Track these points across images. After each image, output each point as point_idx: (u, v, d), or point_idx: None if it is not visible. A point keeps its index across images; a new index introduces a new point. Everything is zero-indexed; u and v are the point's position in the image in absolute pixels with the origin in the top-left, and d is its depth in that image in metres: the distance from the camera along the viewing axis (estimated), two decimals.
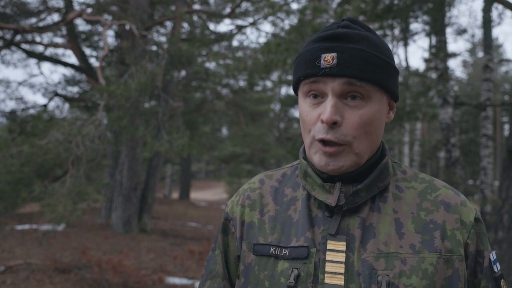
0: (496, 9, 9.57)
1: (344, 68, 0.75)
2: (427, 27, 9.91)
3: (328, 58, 0.76)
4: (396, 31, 9.59)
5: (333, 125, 0.76)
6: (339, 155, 0.78)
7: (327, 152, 0.77)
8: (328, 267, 0.77)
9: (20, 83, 11.45)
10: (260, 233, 0.86)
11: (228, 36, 10.81)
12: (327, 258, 0.77)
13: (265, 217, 0.88)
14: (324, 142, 0.78)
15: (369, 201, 0.81)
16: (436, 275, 0.74)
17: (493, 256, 0.81)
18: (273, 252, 0.82)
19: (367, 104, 0.78)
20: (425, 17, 8.36)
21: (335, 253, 0.78)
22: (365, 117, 0.77)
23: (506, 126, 27.13)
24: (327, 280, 0.76)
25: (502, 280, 0.81)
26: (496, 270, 0.80)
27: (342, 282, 0.75)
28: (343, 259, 0.77)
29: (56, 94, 10.89)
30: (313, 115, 0.79)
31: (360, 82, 0.76)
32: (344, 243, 0.78)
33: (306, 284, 0.77)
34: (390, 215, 0.80)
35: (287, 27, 9.97)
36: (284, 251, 0.81)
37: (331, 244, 0.78)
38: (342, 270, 0.76)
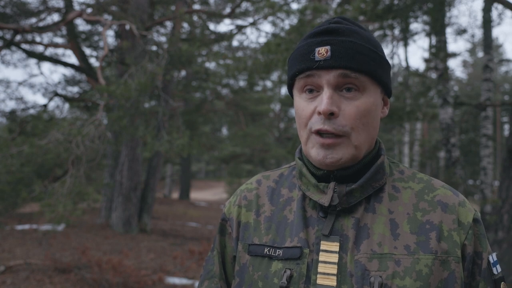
0: (496, 9, 9.57)
1: (339, 59, 0.76)
2: (427, 27, 9.91)
3: (322, 51, 0.77)
4: (396, 31, 9.59)
5: (330, 116, 0.76)
6: (337, 147, 0.77)
7: (324, 144, 0.77)
8: (321, 268, 0.76)
9: (20, 83, 11.45)
10: (256, 233, 0.86)
11: (228, 36, 10.81)
12: (320, 258, 0.77)
13: (261, 217, 0.87)
14: (321, 134, 0.77)
15: (364, 201, 0.80)
16: (431, 276, 0.73)
17: (492, 258, 0.79)
18: (267, 253, 0.82)
19: (362, 96, 0.78)
20: (425, 17, 8.36)
21: (328, 254, 0.77)
22: (362, 108, 0.77)
23: (506, 126, 27.13)
24: (319, 281, 0.75)
25: (502, 283, 0.79)
26: (495, 272, 0.79)
27: (334, 283, 0.74)
28: (336, 260, 0.76)
29: (56, 94, 10.89)
30: (309, 109, 0.79)
31: (355, 73, 0.76)
32: (338, 244, 0.77)
33: (298, 285, 0.76)
34: (385, 216, 0.79)
35: (287, 27, 9.98)
36: (278, 251, 0.81)
37: (324, 245, 0.78)
38: (335, 271, 0.75)
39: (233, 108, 17.04)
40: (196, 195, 26.88)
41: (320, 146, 0.77)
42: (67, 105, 12.93)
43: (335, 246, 0.77)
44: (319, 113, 0.76)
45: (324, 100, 0.75)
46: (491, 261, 0.79)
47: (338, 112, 0.76)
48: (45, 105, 10.45)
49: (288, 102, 21.95)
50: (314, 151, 0.79)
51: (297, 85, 0.82)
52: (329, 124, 0.76)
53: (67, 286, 4.91)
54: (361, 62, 0.76)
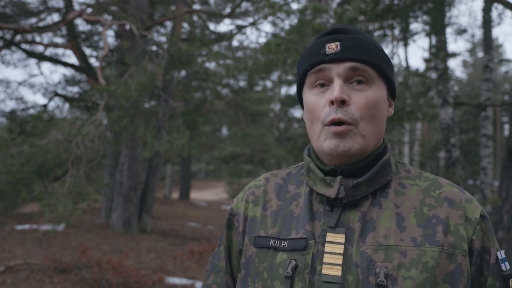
0: (496, 9, 9.58)
1: (348, 52, 0.81)
2: (427, 27, 9.91)
3: (332, 46, 0.82)
4: (396, 31, 9.59)
5: (341, 104, 0.79)
6: (347, 135, 0.79)
7: (336, 132, 0.79)
8: (326, 258, 0.77)
9: (20, 83, 11.45)
10: (262, 226, 0.88)
11: (228, 36, 10.82)
12: (326, 249, 0.78)
13: (267, 211, 0.90)
14: (334, 123, 0.80)
15: (370, 196, 0.82)
16: (437, 268, 0.74)
17: (501, 254, 0.80)
18: (273, 244, 0.83)
19: (371, 88, 0.82)
20: (425, 17, 8.36)
21: (334, 245, 0.78)
22: (370, 99, 0.81)
23: (506, 126, 27.13)
24: (324, 271, 0.76)
25: (511, 280, 0.79)
26: (504, 269, 0.79)
27: (339, 273, 0.75)
28: (342, 251, 0.77)
29: (56, 94, 10.90)
30: (321, 101, 0.82)
31: (364, 65, 0.81)
32: (343, 235, 0.78)
33: (303, 275, 0.77)
34: (391, 210, 0.80)
35: (287, 27, 9.98)
36: (283, 243, 0.82)
37: (330, 236, 0.79)
38: (340, 261, 0.76)
39: (233, 108, 17.04)
40: (196, 195, 26.89)
41: (333, 135, 0.80)
42: (67, 105, 12.94)
43: (340, 238, 0.78)
44: (331, 102, 0.79)
45: (336, 89, 0.79)
46: (500, 257, 0.80)
47: (349, 100, 0.79)
48: (45, 105, 10.45)
49: (288, 102, 21.95)
50: (327, 142, 0.81)
51: (308, 82, 0.86)
52: (341, 112, 0.79)
53: (67, 286, 4.91)
54: (369, 55, 0.82)
